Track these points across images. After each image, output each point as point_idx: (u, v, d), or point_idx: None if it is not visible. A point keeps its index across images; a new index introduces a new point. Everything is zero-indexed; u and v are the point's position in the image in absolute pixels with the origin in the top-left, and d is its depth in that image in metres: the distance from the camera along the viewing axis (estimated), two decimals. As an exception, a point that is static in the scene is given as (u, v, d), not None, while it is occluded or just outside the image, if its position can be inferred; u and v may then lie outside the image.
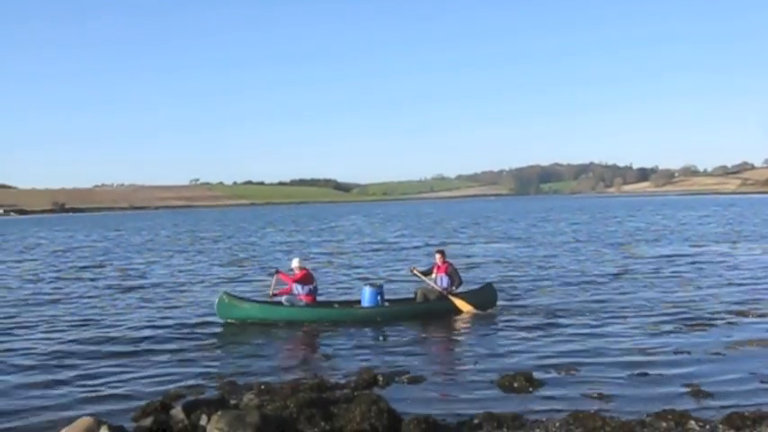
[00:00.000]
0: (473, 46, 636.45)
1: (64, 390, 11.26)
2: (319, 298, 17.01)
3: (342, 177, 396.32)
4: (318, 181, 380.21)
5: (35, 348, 14.15)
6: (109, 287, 24.11)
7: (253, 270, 28.86)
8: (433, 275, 17.45)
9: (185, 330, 15.66)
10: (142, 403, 9.68)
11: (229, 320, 15.99)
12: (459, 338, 14.37)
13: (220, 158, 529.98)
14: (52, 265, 34.57)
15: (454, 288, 17.21)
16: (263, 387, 10.23)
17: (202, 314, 17.44)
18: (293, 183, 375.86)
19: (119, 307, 19.38)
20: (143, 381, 11.63)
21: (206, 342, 14.49)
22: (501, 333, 14.49)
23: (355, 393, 9.33)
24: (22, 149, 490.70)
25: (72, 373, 12.28)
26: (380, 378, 10.89)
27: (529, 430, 8.41)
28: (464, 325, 15.57)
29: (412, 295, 17.68)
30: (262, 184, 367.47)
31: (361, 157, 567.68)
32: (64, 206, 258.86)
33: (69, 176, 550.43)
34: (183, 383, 11.31)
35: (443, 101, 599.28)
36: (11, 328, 16.43)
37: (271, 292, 16.88)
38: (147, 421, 7.87)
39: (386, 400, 8.65)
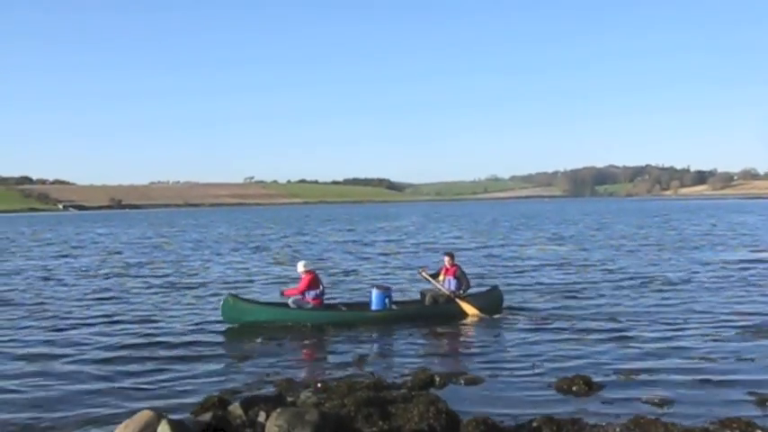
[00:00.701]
0: (532, 49, 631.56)
1: (123, 384, 11.43)
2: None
3: (395, 177, 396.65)
4: (372, 180, 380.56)
5: (95, 343, 14.38)
6: (164, 284, 24.38)
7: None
8: (441, 278, 17.31)
9: (240, 327, 15.76)
10: (200, 399, 9.81)
11: (235, 324, 15.77)
12: (514, 340, 14.10)
13: (275, 157, 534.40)
14: (106, 262, 35.11)
15: (462, 291, 17.07)
16: (319, 385, 10.24)
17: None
18: (346, 182, 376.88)
19: (174, 303, 19.62)
20: (200, 376, 11.77)
21: (261, 339, 14.56)
22: (557, 336, 14.26)
23: (412, 393, 9.26)
24: (81, 146, 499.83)
25: (130, 368, 12.46)
26: (437, 378, 10.83)
27: (589, 434, 8.27)
28: (520, 326, 15.34)
29: (418, 297, 17.57)
30: (315, 182, 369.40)
31: (415, 156, 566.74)
32: (120, 203, 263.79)
33: (126, 173, 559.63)
34: (240, 380, 11.42)
35: (498, 102, 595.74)
36: (70, 325, 16.66)
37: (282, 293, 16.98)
38: (206, 416, 7.91)
39: (444, 400, 8.60)
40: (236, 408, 8.53)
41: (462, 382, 10.86)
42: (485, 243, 42.21)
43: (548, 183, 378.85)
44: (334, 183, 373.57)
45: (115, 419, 8.87)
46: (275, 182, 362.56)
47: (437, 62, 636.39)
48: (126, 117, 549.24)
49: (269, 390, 10.43)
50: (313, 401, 9.01)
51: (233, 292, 17.82)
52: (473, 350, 13.35)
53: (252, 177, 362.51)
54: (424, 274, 17.77)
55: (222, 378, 11.61)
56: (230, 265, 31.84)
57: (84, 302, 20.28)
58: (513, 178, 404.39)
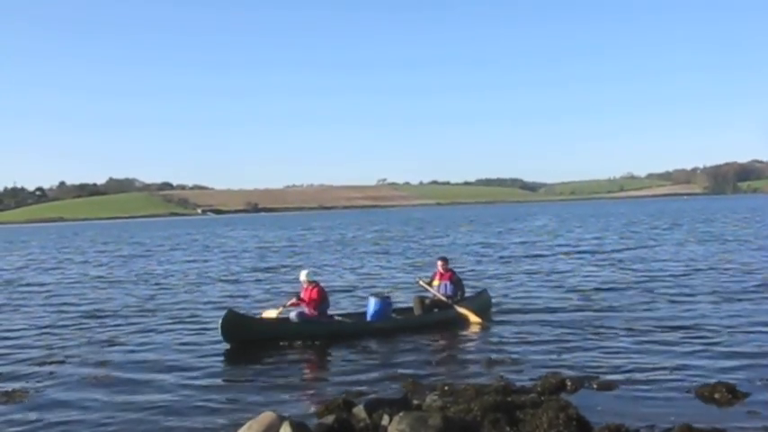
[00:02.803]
0: (668, 47, 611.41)
1: (249, 385, 11.60)
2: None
3: (528, 177, 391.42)
4: (505, 180, 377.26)
5: (217, 347, 14.55)
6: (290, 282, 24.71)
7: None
8: (436, 283, 16.75)
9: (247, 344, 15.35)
10: (323, 401, 9.83)
11: (236, 343, 14.44)
12: (649, 343, 13.39)
13: (407, 159, 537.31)
14: (241, 265, 36.00)
15: (459, 296, 16.52)
16: (446, 388, 10.05)
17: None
18: (479, 182, 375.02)
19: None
20: (324, 378, 11.85)
21: (386, 341, 14.51)
22: (699, 340, 13.47)
23: (542, 398, 8.96)
24: (219, 152, 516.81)
25: (254, 369, 12.69)
26: (569, 383, 10.40)
27: (733, 446, 7.75)
28: (660, 329, 14.58)
29: (411, 304, 16.88)
30: (447, 183, 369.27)
31: (549, 156, 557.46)
32: (257, 206, 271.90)
33: (262, 178, 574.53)
34: (366, 381, 11.38)
35: (633, 99, 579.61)
36: (195, 327, 17.04)
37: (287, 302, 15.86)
38: (329, 419, 7.87)
39: (575, 406, 8.25)
40: (360, 410, 8.46)
41: (595, 386, 10.41)
42: (632, 245, 39.52)
43: (686, 180, 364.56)
44: (467, 183, 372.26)
45: (237, 422, 8.95)
46: (407, 183, 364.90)
47: (570, 64, 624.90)
48: (260, 121, 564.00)
49: (394, 392, 10.32)
50: (439, 405, 8.82)
51: (233, 306, 16.83)
52: (606, 353, 12.73)
53: (384, 179, 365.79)
54: (421, 282, 17.27)
55: (347, 380, 11.58)
56: (359, 267, 32.09)
57: (206, 305, 20.74)
58: (650, 176, 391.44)
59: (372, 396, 9.51)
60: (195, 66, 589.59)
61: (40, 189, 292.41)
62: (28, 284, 29.14)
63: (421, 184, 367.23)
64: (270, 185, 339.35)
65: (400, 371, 11.99)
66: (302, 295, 15.50)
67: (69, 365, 13.30)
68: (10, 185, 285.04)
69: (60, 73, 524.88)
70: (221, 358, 13.64)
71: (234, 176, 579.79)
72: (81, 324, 17.93)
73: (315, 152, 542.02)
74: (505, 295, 20.11)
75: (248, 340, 14.41)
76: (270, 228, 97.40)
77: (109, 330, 16.89)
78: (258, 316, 15.60)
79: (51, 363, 13.61)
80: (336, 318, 15.94)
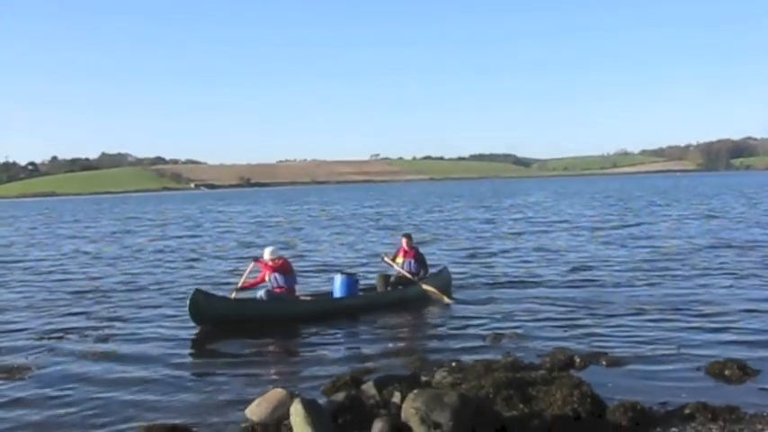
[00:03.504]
0: (671, 24, 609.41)
1: (254, 362, 11.51)
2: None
3: (521, 152, 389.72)
4: (498, 156, 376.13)
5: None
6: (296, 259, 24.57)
7: (444, 248, 28.22)
8: (400, 260, 16.56)
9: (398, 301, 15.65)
10: (328, 378, 9.74)
11: (206, 324, 13.76)
12: (655, 320, 13.25)
13: (400, 134, 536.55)
14: (237, 240, 35.87)
15: (422, 274, 16.38)
16: (454, 365, 9.92)
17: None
18: (472, 158, 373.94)
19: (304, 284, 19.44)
20: (328, 356, 11.66)
21: (377, 318, 14.40)
22: (706, 318, 13.34)
23: (553, 375, 8.82)
24: (212, 127, 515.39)
25: (253, 346, 12.56)
26: (578, 359, 10.30)
27: (748, 425, 7.59)
28: (665, 306, 14.42)
29: (374, 282, 16.74)
30: (441, 159, 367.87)
31: (542, 131, 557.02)
32: (249, 181, 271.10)
33: (255, 152, 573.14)
34: (370, 359, 11.26)
35: (627, 74, 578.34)
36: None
37: (240, 284, 15.08)
38: (339, 396, 7.72)
39: (588, 383, 8.11)
40: (369, 387, 8.32)
41: (604, 363, 10.29)
42: (629, 221, 39.21)
43: (679, 157, 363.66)
44: (460, 159, 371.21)
45: (246, 399, 8.82)
46: (401, 158, 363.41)
47: (563, 40, 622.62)
48: (253, 96, 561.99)
49: (400, 369, 10.21)
50: (449, 382, 8.70)
51: (200, 286, 15.66)
52: (612, 330, 12.60)
53: (377, 154, 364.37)
54: (386, 259, 17.03)
55: (348, 357, 11.50)
56: (357, 243, 31.94)
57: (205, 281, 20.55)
58: (643, 152, 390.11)
59: (382, 373, 9.36)
60: (185, 38, 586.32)
61: (32, 164, 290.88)
62: (21, 260, 28.89)
63: (414, 159, 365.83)
64: (262, 160, 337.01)
65: (401, 347, 12.01)
66: (266, 272, 14.75)
67: (68, 341, 13.16)
68: (2, 160, 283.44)
69: (52, 51, 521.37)
70: (219, 335, 13.37)
71: (226, 151, 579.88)
72: (77, 300, 17.75)
73: (307, 127, 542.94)
74: (506, 272, 19.95)
75: (218, 321, 13.77)
76: (264, 203, 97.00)
77: (106, 306, 16.72)
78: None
79: (50, 338, 13.47)
80: (302, 297, 15.38)
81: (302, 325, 13.89)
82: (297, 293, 15.12)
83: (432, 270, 17.12)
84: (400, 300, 15.81)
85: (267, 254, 14.79)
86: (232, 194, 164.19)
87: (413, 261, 16.48)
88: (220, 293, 15.24)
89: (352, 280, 15.48)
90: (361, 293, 15.75)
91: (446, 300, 15.69)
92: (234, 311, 14.10)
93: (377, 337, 12.99)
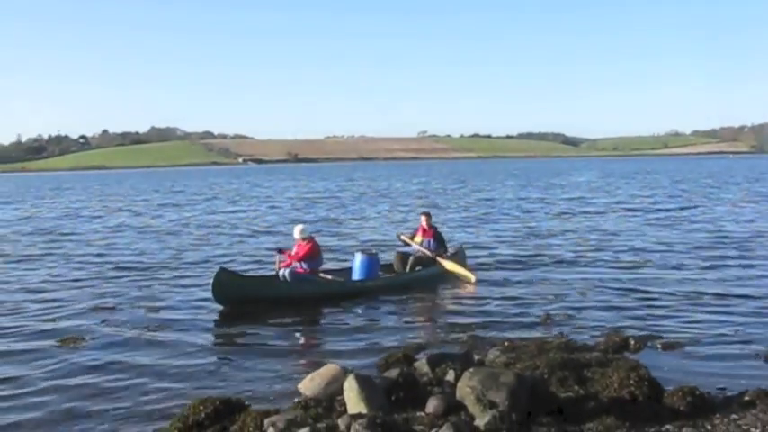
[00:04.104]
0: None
1: (305, 339, 11.65)
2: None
3: (570, 131, 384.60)
4: (546, 135, 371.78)
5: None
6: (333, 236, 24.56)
7: (496, 228, 27.98)
8: (419, 239, 16.28)
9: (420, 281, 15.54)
10: (380, 355, 9.73)
11: (228, 302, 13.42)
12: (711, 305, 12.96)
13: (448, 111, 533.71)
14: (285, 216, 35.85)
15: (443, 252, 16.14)
16: (506, 344, 9.81)
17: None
18: (520, 136, 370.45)
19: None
20: (375, 333, 11.65)
21: (442, 294, 14.30)
22: (762, 302, 13.01)
23: (608, 357, 8.69)
24: (260, 102, 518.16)
25: (310, 324, 12.65)
26: (632, 342, 10.14)
27: (812, 412, 7.40)
28: (722, 292, 14.03)
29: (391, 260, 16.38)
30: (489, 137, 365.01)
31: (592, 110, 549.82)
32: (297, 156, 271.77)
33: (303, 128, 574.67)
34: (420, 336, 11.26)
35: (681, 53, 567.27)
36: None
37: (277, 268, 14.57)
38: (393, 373, 7.66)
39: (645, 366, 7.96)
40: (422, 365, 8.29)
41: (659, 347, 10.12)
42: (684, 203, 38.10)
43: (733, 138, 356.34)
44: (508, 137, 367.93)
45: (300, 373, 8.86)
46: (448, 136, 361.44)
47: (618, 11, 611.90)
48: (302, 73, 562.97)
49: (452, 348, 10.14)
50: (503, 361, 8.61)
51: (224, 265, 15.12)
52: (666, 313, 12.36)
53: (425, 132, 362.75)
54: (403, 237, 16.85)
55: (397, 335, 11.43)
56: (404, 220, 31.84)
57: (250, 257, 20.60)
58: (695, 133, 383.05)
59: (433, 351, 9.33)
60: (235, 16, 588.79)
61: (83, 137, 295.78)
62: (72, 233, 29.23)
63: (462, 137, 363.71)
64: (310, 136, 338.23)
65: (448, 324, 11.94)
66: (293, 251, 14.55)
67: (120, 312, 13.33)
68: (54, 133, 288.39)
69: (105, 33, 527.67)
70: (268, 311, 13.21)
71: (275, 126, 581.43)
72: (128, 273, 17.90)
73: (355, 103, 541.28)
74: (557, 253, 19.69)
75: (240, 299, 13.43)
76: (311, 178, 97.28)
77: (156, 279, 16.92)
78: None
79: (103, 309, 13.65)
80: (322, 275, 14.95)
81: (346, 303, 13.87)
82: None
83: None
84: (429, 278, 15.70)
85: (297, 232, 14.51)
86: (280, 169, 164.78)
87: (432, 240, 16.28)
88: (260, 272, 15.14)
89: (373, 259, 15.26)
90: (380, 273, 15.56)
91: (472, 278, 15.50)
92: (258, 291, 13.83)
93: (420, 316, 13.01)
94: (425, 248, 16.22)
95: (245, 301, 13.39)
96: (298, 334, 11.93)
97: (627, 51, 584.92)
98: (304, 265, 14.25)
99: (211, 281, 13.30)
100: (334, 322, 12.60)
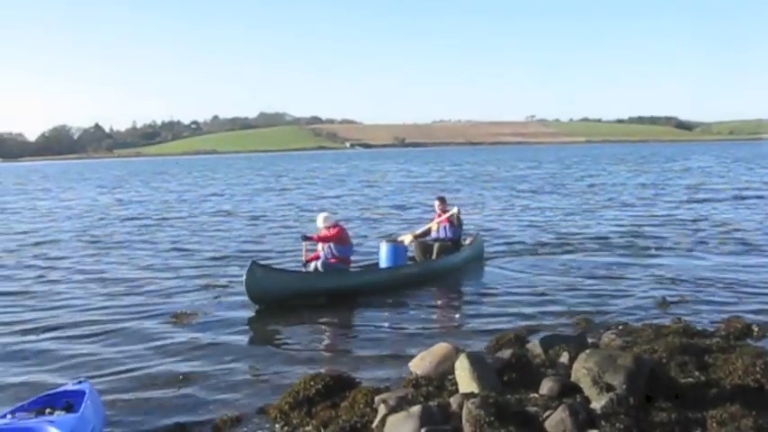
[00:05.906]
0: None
1: (413, 319, 11.53)
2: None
3: (684, 115, 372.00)
4: (659, 119, 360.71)
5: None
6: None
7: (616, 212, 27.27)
8: (435, 227, 15.44)
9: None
10: (490, 335, 9.70)
11: (262, 301, 12.34)
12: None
13: (556, 95, 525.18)
14: (391, 202, 35.45)
15: (459, 238, 15.49)
16: (621, 327, 9.57)
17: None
18: (631, 120, 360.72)
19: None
20: (482, 314, 11.55)
21: (554, 273, 14.05)
22: None
23: (730, 343, 8.33)
24: (368, 86, 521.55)
25: (418, 305, 12.51)
26: (755, 329, 9.68)
27: None
28: None
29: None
30: (599, 121, 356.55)
31: (708, 93, 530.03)
32: (404, 141, 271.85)
33: (410, 113, 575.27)
34: (526, 318, 11.07)
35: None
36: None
37: (304, 259, 13.76)
38: (506, 353, 7.52)
39: (771, 354, 7.57)
40: (535, 346, 8.16)
41: (785, 334, 9.64)
42: None
43: None
44: (619, 121, 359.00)
45: (408, 354, 8.86)
46: (557, 120, 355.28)
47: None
48: (407, 56, 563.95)
49: (563, 330, 9.95)
50: (618, 345, 8.38)
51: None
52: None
53: (533, 116, 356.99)
54: (417, 233, 15.70)
55: (503, 316, 11.28)
56: (518, 204, 31.42)
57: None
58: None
59: (545, 333, 9.15)
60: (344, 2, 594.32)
61: (194, 122, 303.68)
62: (185, 216, 30.02)
63: (571, 121, 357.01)
64: (418, 121, 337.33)
65: (556, 307, 11.71)
66: (325, 241, 13.42)
67: (231, 292, 13.55)
68: (167, 119, 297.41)
69: (212, 26, 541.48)
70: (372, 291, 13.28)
71: (382, 111, 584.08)
72: (239, 254, 18.28)
73: (463, 87, 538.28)
74: (672, 239, 19.00)
75: (275, 297, 12.35)
76: (417, 162, 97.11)
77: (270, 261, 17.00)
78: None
79: (215, 287, 13.97)
80: (367, 268, 14.45)
81: (439, 284, 13.90)
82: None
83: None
84: (464, 263, 15.38)
85: (320, 221, 13.52)
86: (387, 154, 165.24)
87: (448, 226, 15.48)
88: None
89: (400, 248, 14.66)
90: (409, 262, 14.95)
91: None
92: (296, 285, 12.75)
93: (522, 298, 12.65)
94: (442, 235, 15.45)
95: (280, 298, 12.36)
96: (407, 314, 11.87)
97: (739, 33, 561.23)
98: (334, 252, 13.32)
99: (244, 277, 12.19)
100: (441, 302, 12.66)
